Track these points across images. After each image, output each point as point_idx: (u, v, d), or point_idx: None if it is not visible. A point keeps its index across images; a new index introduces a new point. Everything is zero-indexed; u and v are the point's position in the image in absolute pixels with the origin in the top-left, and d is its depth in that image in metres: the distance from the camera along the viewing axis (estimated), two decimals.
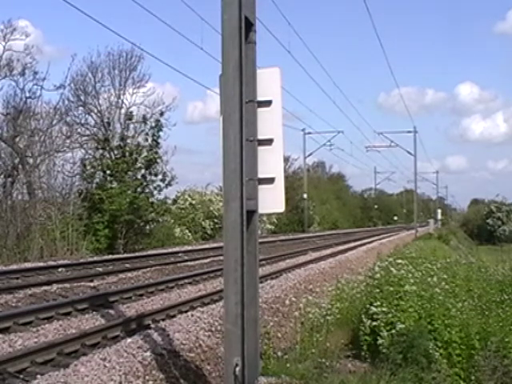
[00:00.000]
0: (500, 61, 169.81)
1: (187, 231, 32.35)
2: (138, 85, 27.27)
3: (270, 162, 4.93)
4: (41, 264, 15.95)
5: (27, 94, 25.19)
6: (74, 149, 25.97)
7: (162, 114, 26.11)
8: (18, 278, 12.71)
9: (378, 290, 7.57)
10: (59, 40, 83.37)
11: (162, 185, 25.11)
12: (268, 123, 4.94)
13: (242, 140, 4.54)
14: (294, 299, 9.90)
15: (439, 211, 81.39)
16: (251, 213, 4.81)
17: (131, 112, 26.13)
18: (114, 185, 23.77)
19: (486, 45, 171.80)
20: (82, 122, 26.22)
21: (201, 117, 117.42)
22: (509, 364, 6.30)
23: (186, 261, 18.50)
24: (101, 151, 24.79)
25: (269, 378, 5.94)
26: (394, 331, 6.59)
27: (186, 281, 13.53)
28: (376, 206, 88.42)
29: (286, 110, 32.32)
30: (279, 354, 6.78)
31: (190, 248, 24.35)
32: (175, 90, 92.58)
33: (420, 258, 12.60)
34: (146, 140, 24.85)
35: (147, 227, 25.22)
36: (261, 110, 4.92)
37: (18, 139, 24.70)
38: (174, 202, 30.76)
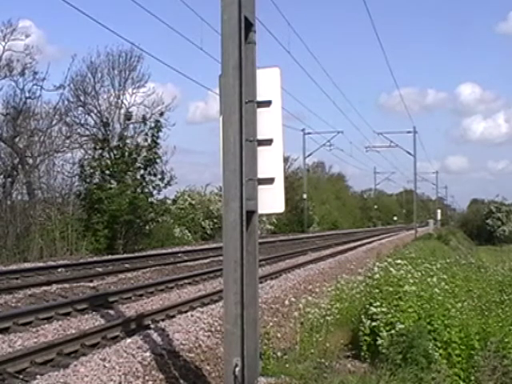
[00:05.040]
0: (502, 61, 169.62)
1: (187, 231, 32.34)
2: (138, 85, 27.41)
3: (270, 163, 4.93)
4: (40, 264, 15.98)
5: (27, 94, 25.32)
6: (73, 149, 26.11)
7: (161, 114, 26.21)
8: (17, 279, 12.71)
9: (377, 291, 7.55)
10: (61, 40, 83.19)
11: (161, 184, 25.10)
12: (268, 123, 4.93)
13: (241, 140, 4.53)
14: (293, 299, 9.88)
15: (439, 211, 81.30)
16: (251, 213, 4.80)
17: (131, 112, 26.18)
18: (114, 185, 23.76)
19: (487, 45, 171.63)
20: (82, 122, 26.34)
21: (202, 117, 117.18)
22: (508, 364, 6.30)
23: (186, 261, 18.51)
24: (100, 151, 24.80)
25: (268, 379, 5.94)
26: (393, 331, 6.58)
27: (186, 281, 13.54)
28: (376, 207, 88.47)
29: (286, 111, 32.27)
30: (279, 354, 6.76)
31: (189, 248, 24.37)
32: (176, 91, 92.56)
33: (419, 259, 12.61)
34: (146, 140, 24.86)
35: (147, 227, 25.21)
36: (260, 111, 4.90)
37: (17, 139, 24.76)
38: (174, 202, 30.77)
